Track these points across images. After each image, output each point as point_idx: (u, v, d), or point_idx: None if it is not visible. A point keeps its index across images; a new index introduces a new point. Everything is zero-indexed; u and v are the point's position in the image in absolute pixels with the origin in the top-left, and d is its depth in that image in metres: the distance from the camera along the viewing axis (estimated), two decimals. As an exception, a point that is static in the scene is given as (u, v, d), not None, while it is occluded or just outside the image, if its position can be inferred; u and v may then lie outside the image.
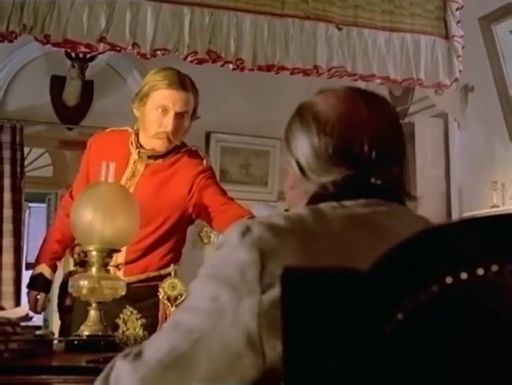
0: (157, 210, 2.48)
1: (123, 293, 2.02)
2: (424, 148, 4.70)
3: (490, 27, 4.36)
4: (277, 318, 0.79)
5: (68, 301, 2.56)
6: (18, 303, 4.42)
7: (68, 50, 4.03)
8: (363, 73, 3.44)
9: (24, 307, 2.10)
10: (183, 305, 0.99)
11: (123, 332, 1.92)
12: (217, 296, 0.90)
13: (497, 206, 4.28)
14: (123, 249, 2.20)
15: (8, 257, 4.61)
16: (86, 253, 2.01)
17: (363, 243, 0.92)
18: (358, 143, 1.06)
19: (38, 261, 2.66)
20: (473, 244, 0.72)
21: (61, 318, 2.71)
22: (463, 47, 3.68)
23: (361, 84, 3.29)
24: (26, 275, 4.58)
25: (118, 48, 3.09)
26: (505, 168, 4.36)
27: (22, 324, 1.71)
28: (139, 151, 2.54)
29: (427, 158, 4.70)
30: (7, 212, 4.64)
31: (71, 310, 2.52)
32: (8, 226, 4.63)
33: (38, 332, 1.85)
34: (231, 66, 3.26)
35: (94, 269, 1.97)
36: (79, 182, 2.64)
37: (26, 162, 5.12)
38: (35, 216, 7.44)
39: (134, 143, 2.55)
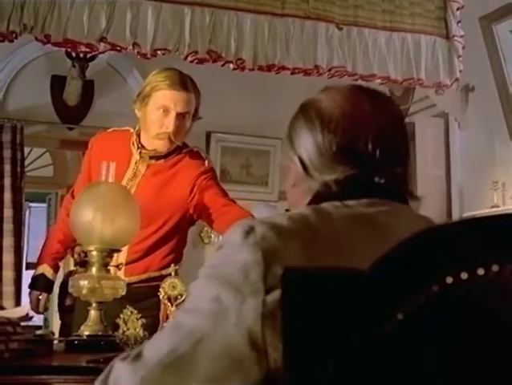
0: (159, 211, 2.48)
1: (124, 293, 2.02)
2: (424, 148, 4.70)
3: (491, 27, 4.36)
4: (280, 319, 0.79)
5: (69, 301, 2.56)
6: (18, 303, 4.42)
7: (69, 50, 4.03)
8: (363, 73, 3.44)
9: (24, 307, 2.10)
10: (183, 305, 0.98)
11: (124, 332, 1.92)
12: (218, 296, 0.89)
13: (498, 206, 4.28)
14: (124, 249, 2.20)
15: (8, 257, 4.61)
16: (86, 253, 2.01)
17: (366, 243, 0.92)
18: (362, 142, 1.05)
19: (39, 262, 2.65)
20: (473, 244, 0.72)
21: (61, 318, 2.71)
22: (463, 47, 3.68)
23: (361, 84, 3.28)
24: (27, 275, 4.58)
25: (118, 48, 3.09)
26: (506, 167, 4.36)
27: (23, 324, 1.70)
28: (140, 152, 2.54)
29: (427, 158, 4.70)
30: (7, 212, 4.64)
31: (71, 310, 2.52)
32: (8, 226, 4.63)
33: (39, 332, 1.85)
34: (232, 66, 3.26)
35: (94, 269, 1.97)
36: (80, 182, 2.64)
37: (26, 162, 5.12)
38: (36, 216, 7.44)
39: (135, 143, 2.55)
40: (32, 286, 2.65)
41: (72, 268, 2.51)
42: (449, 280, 0.71)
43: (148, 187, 2.50)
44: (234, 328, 0.87)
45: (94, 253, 1.98)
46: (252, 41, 3.24)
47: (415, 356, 0.73)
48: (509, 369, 0.72)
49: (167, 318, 2.00)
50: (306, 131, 1.09)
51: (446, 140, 4.85)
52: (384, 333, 0.72)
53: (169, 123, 2.45)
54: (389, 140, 1.08)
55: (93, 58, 4.45)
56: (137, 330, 1.92)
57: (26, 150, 5.13)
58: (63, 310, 2.65)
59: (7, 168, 4.68)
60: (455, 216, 4.58)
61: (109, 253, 2.00)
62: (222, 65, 3.27)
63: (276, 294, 0.85)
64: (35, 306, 2.60)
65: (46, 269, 2.61)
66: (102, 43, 3.04)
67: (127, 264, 2.38)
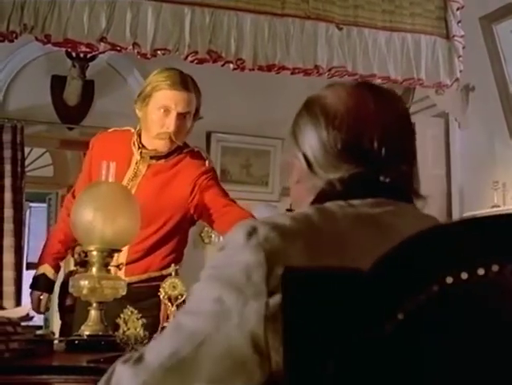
0: (159, 211, 2.48)
1: (124, 293, 2.02)
2: (424, 148, 4.69)
3: (491, 27, 4.36)
4: None
5: (69, 301, 2.56)
6: (18, 303, 4.42)
7: (69, 50, 4.03)
8: (363, 73, 3.44)
9: (25, 307, 2.10)
10: (185, 306, 0.96)
11: (124, 332, 1.92)
12: (220, 297, 0.88)
13: (498, 206, 4.28)
14: (125, 248, 2.20)
15: (9, 257, 4.61)
16: (86, 253, 2.01)
17: (371, 243, 0.90)
18: (367, 139, 1.04)
19: (40, 262, 2.65)
20: (473, 244, 0.72)
21: (62, 318, 2.71)
22: (464, 47, 3.68)
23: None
24: (27, 275, 4.59)
25: (118, 48, 3.10)
26: (506, 167, 4.36)
27: (23, 324, 1.71)
28: (141, 152, 2.54)
29: (428, 158, 4.70)
30: (8, 212, 4.64)
31: (72, 310, 2.52)
32: (9, 226, 4.63)
33: (39, 332, 1.85)
34: (232, 66, 3.26)
35: (94, 269, 1.97)
36: (81, 182, 2.64)
37: (26, 162, 5.12)
38: (36, 216, 7.45)
39: (136, 143, 2.55)
40: (33, 286, 2.64)
41: (72, 268, 2.52)
42: (450, 280, 0.71)
43: (149, 187, 2.50)
44: (237, 330, 0.86)
45: (94, 253, 1.98)
46: (252, 41, 3.24)
47: (415, 356, 0.73)
48: (510, 369, 0.72)
49: (167, 317, 2.00)
50: (311, 127, 1.08)
51: (446, 140, 4.85)
52: (384, 333, 0.72)
53: (170, 123, 2.45)
54: (395, 138, 1.06)
55: (93, 58, 4.45)
56: (138, 330, 1.92)
57: (27, 150, 5.13)
58: (64, 310, 2.65)
59: (7, 168, 4.68)
60: (455, 216, 4.58)
61: (109, 253, 2.00)
62: (222, 65, 3.27)
63: (279, 297, 0.84)
64: (36, 306, 2.60)
65: (47, 269, 2.61)
66: (102, 43, 3.04)
67: (127, 264, 2.38)
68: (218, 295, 0.88)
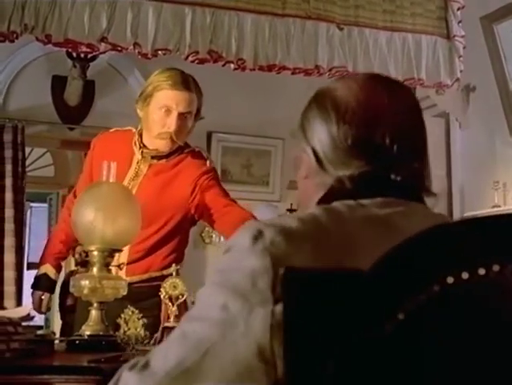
0: (160, 210, 2.48)
1: (125, 292, 2.02)
2: (425, 148, 4.69)
3: (492, 27, 4.36)
4: None
5: (70, 301, 2.56)
6: (19, 303, 4.42)
7: (69, 50, 4.03)
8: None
9: (25, 307, 2.10)
10: (191, 312, 0.94)
11: (125, 332, 1.92)
12: (226, 304, 0.86)
13: (499, 206, 4.28)
14: (126, 248, 2.21)
15: (10, 257, 4.61)
16: (87, 253, 2.01)
17: (380, 245, 0.86)
18: (379, 134, 1.00)
19: (42, 262, 2.65)
20: (474, 244, 0.72)
21: (62, 318, 2.71)
22: (464, 47, 3.68)
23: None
24: (28, 275, 4.59)
25: (119, 48, 3.10)
26: (507, 167, 4.36)
27: (24, 324, 1.71)
28: (142, 152, 2.54)
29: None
30: (9, 212, 4.64)
31: (73, 310, 2.52)
32: (9, 226, 4.63)
33: (40, 332, 1.85)
34: (232, 66, 3.27)
35: (95, 269, 1.97)
36: (82, 182, 2.64)
37: (27, 162, 5.12)
38: (37, 216, 7.45)
39: (137, 143, 2.55)
40: (35, 286, 2.65)
41: (73, 268, 2.52)
42: (450, 280, 0.71)
43: (150, 187, 2.50)
44: (242, 338, 0.84)
45: (95, 252, 1.98)
46: (253, 41, 3.25)
47: (415, 356, 0.73)
48: (510, 369, 0.72)
49: (168, 317, 2.00)
50: (321, 121, 1.04)
51: (447, 140, 4.86)
52: (385, 333, 0.72)
53: (171, 123, 2.45)
54: (407, 134, 1.03)
55: (94, 58, 4.45)
56: (138, 329, 1.92)
57: (27, 150, 5.13)
58: (64, 310, 2.65)
59: (8, 168, 4.68)
60: (456, 216, 4.58)
61: (110, 252, 2.00)
62: (223, 65, 3.27)
63: None
64: (38, 306, 2.60)
65: (48, 269, 2.61)
66: (103, 43, 3.05)
67: (128, 264, 2.38)
68: (224, 302, 0.86)
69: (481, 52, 4.36)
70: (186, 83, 2.46)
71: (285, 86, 4.79)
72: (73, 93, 4.90)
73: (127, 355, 1.71)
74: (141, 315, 1.95)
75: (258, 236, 0.88)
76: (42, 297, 2.61)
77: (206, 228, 4.92)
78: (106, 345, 1.89)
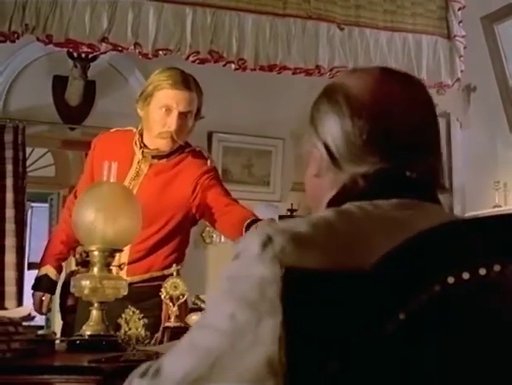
0: (161, 210, 2.48)
1: (125, 293, 2.01)
2: (426, 148, 4.69)
3: (492, 27, 4.35)
4: None
5: (70, 301, 2.56)
6: (20, 303, 4.42)
7: (70, 50, 4.03)
8: (365, 73, 3.44)
9: (26, 307, 2.10)
10: (201, 320, 0.93)
11: (126, 332, 1.92)
12: (234, 314, 0.84)
13: (500, 206, 4.28)
14: (127, 248, 2.20)
15: (10, 257, 4.61)
16: (88, 253, 2.01)
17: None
18: (395, 130, 0.97)
19: (42, 262, 2.65)
20: (475, 244, 0.72)
21: (63, 318, 2.71)
22: (465, 47, 3.68)
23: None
24: (29, 275, 4.59)
25: (120, 48, 3.10)
26: (508, 167, 4.36)
27: (25, 324, 1.71)
28: (143, 151, 2.54)
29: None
30: (9, 212, 4.64)
31: (73, 310, 2.52)
32: (10, 226, 4.63)
33: (40, 332, 1.85)
34: (233, 66, 3.27)
35: (96, 269, 1.97)
36: (83, 182, 2.64)
37: (28, 162, 5.12)
38: (37, 216, 7.45)
39: (138, 143, 2.55)
40: (35, 288, 2.64)
41: (74, 268, 2.51)
42: (451, 280, 0.71)
43: (151, 186, 2.50)
44: (251, 348, 0.83)
45: (96, 253, 1.97)
46: (253, 41, 3.25)
47: (416, 356, 0.73)
48: (510, 369, 0.72)
49: (169, 318, 2.00)
50: (333, 116, 1.00)
51: (448, 140, 4.85)
52: (386, 333, 0.72)
53: (172, 123, 2.45)
54: (422, 128, 1.00)
55: (95, 58, 4.45)
56: (139, 329, 1.92)
57: (28, 150, 5.13)
58: (65, 310, 2.65)
59: (9, 168, 4.67)
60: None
61: (111, 252, 2.00)
62: (224, 65, 3.27)
63: None
64: (38, 307, 2.60)
65: (49, 270, 2.61)
66: (103, 43, 3.05)
67: (129, 264, 2.38)
68: (232, 311, 0.84)
69: (481, 52, 4.36)
70: (186, 82, 2.46)
71: (286, 86, 4.79)
72: (74, 93, 4.90)
73: (127, 355, 1.72)
74: (142, 315, 1.94)
75: (267, 242, 0.85)
76: (43, 298, 2.61)
77: (207, 228, 4.92)
78: (106, 345, 1.89)
